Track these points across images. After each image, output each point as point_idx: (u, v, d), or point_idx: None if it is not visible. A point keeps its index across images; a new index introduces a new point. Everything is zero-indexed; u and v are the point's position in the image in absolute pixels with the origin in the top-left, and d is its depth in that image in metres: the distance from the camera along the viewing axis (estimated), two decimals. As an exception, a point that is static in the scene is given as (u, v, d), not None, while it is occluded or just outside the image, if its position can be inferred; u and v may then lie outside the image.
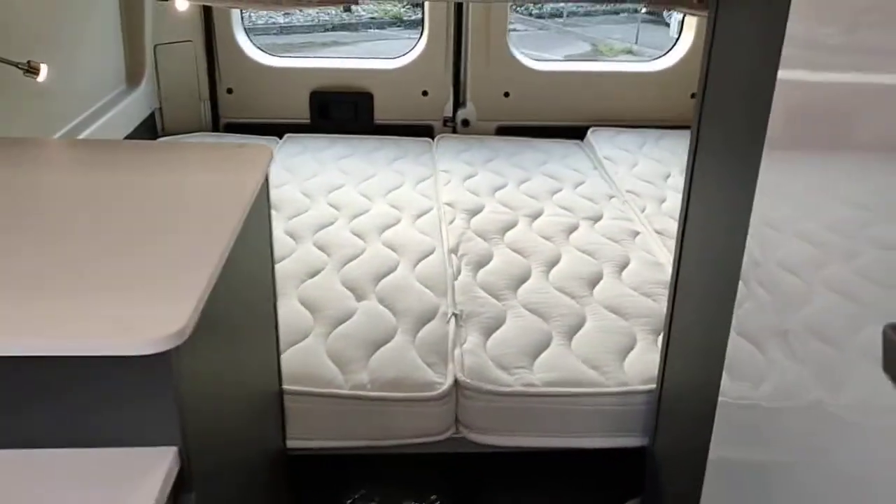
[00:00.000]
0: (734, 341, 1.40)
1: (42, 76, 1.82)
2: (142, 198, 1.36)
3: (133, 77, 3.35)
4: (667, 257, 2.67)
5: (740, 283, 1.34)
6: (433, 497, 2.16)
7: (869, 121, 0.99)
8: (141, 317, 0.97)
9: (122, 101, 3.20)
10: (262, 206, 1.58)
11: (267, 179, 1.58)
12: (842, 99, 1.08)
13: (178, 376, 0.99)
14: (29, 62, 1.83)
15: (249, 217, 1.36)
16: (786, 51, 1.18)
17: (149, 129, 3.50)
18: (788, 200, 1.25)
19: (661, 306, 2.33)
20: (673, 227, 2.89)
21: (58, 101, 2.66)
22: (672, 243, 2.74)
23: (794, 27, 1.17)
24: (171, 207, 1.34)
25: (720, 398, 1.45)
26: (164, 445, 1.02)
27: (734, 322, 1.36)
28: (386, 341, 2.11)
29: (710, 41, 1.58)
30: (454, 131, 3.94)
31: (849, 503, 0.98)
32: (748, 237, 1.32)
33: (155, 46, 3.46)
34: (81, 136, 2.82)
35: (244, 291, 1.46)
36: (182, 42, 3.58)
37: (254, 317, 1.59)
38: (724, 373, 1.43)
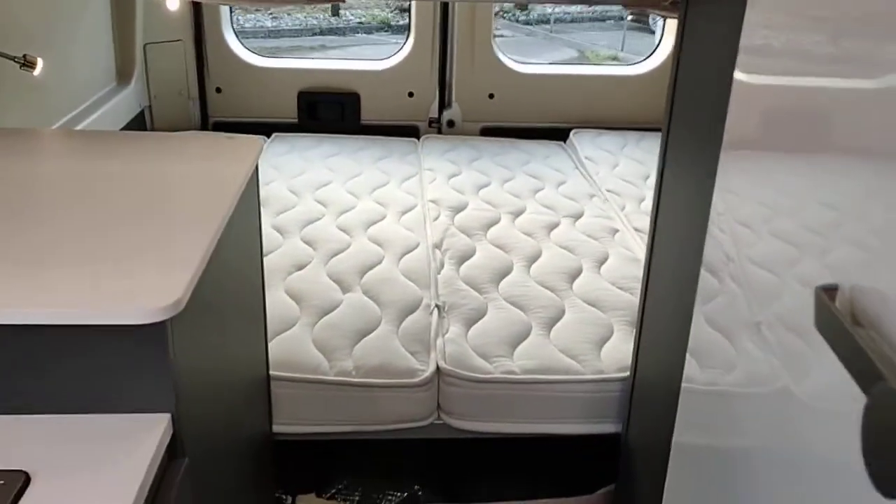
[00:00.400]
0: (696, 331, 1.47)
1: (38, 70, 1.87)
2: (136, 184, 1.42)
3: (123, 75, 3.40)
4: (644, 254, 2.75)
5: (708, 275, 1.41)
6: (416, 487, 2.22)
7: (821, 123, 1.06)
8: (139, 289, 1.03)
9: (113, 99, 3.25)
10: (251, 196, 1.64)
11: (257, 170, 1.64)
12: (793, 101, 1.15)
13: (173, 346, 1.05)
14: (25, 56, 1.88)
15: (240, 204, 1.42)
16: (741, 54, 1.26)
17: (138, 127, 3.55)
18: (752, 199, 1.32)
19: (637, 299, 2.41)
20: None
21: (49, 97, 2.70)
22: (650, 240, 2.84)
23: (748, 31, 1.24)
24: (164, 193, 1.40)
25: (683, 385, 1.52)
26: (158, 412, 1.08)
27: (695, 312, 1.43)
28: (370, 331, 2.18)
29: (679, 44, 1.66)
30: (439, 132, 4.01)
31: (802, 486, 1.05)
32: (717, 233, 1.39)
33: (145, 45, 3.51)
34: (72, 132, 2.87)
35: (235, 274, 1.52)
36: (172, 41, 3.64)
37: (243, 302, 1.65)
38: (686, 361, 1.50)
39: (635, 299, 2.41)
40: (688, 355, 1.46)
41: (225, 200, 1.34)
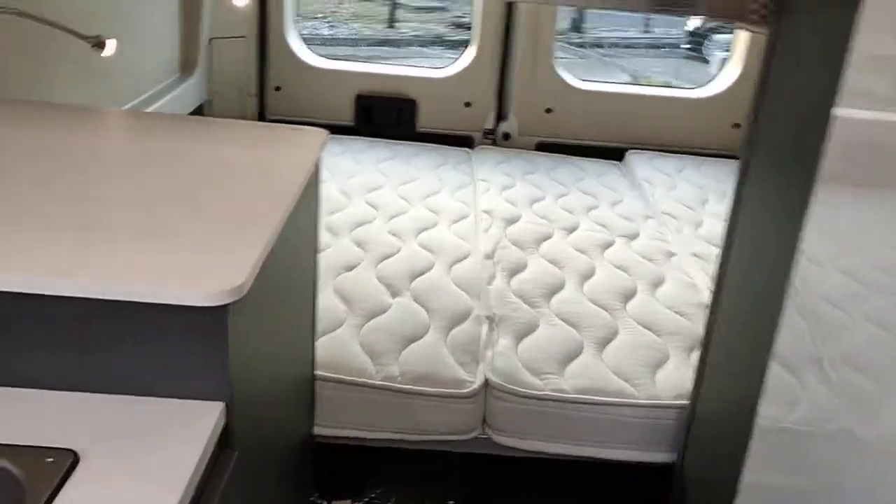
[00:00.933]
0: (775, 368, 1.39)
1: (109, 51, 1.87)
2: (202, 168, 1.40)
3: (187, 67, 3.43)
4: (702, 279, 2.66)
5: (794, 314, 1.33)
6: (450, 502, 2.16)
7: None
8: (202, 271, 1.00)
9: (174, 90, 3.27)
10: (313, 189, 1.61)
11: (319, 163, 1.61)
12: None
13: (233, 332, 1.01)
14: (98, 37, 1.89)
15: (303, 195, 1.39)
16: (847, 86, 1.18)
17: None
18: (834, 236, 1.25)
19: (696, 326, 2.32)
20: (709, 250, 2.89)
21: (113, 84, 2.72)
22: (708, 266, 2.74)
23: (857, 63, 1.17)
24: (230, 178, 1.37)
25: (757, 422, 1.44)
26: (212, 400, 1.03)
27: (776, 350, 1.35)
28: (418, 337, 2.12)
29: (767, 66, 1.57)
30: (494, 143, 3.97)
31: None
32: (808, 269, 1.31)
33: (210, 39, 3.54)
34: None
35: (292, 266, 1.49)
36: (236, 38, 3.66)
37: (297, 295, 1.62)
38: (762, 398, 1.41)
39: (693, 325, 2.32)
40: (763, 393, 1.38)
41: (290, 189, 1.31)
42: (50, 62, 2.20)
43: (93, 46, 1.89)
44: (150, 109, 2.98)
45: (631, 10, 2.07)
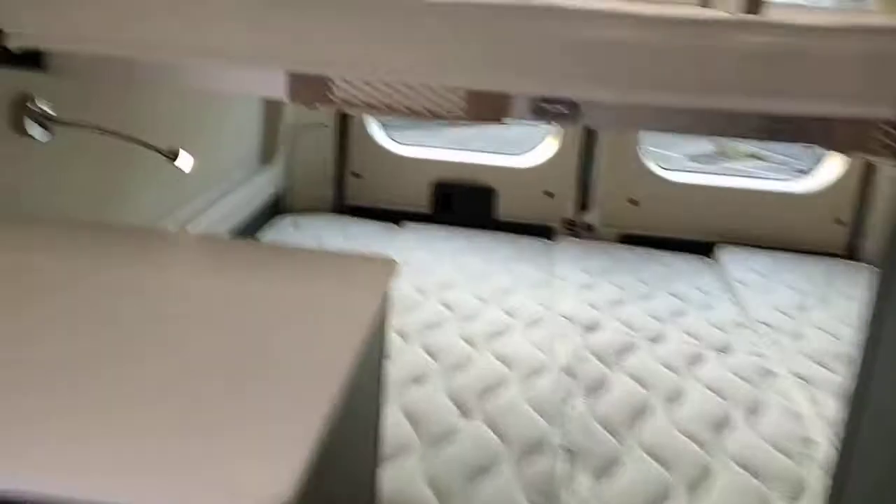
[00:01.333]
0: None
1: (187, 167, 1.84)
2: (254, 312, 1.30)
3: (267, 156, 3.45)
4: (807, 408, 2.39)
5: None
6: None
7: None
8: (230, 477, 0.87)
9: (253, 179, 3.28)
10: (380, 327, 1.49)
11: (388, 298, 1.49)
12: None
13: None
14: (172, 149, 1.86)
15: (367, 341, 1.27)
16: None
17: (273, 207, 3.58)
18: None
19: (802, 469, 2.06)
20: (815, 371, 2.61)
21: (194, 176, 2.73)
22: (814, 391, 2.47)
23: None
24: (283, 329, 1.26)
25: None
26: None
27: None
28: (489, 468, 1.96)
29: None
30: (575, 234, 3.82)
31: None
32: None
33: (292, 128, 3.56)
34: (210, 210, 2.88)
35: (353, 424, 1.36)
36: (318, 126, 3.68)
37: (357, 446, 1.48)
38: None
39: (798, 469, 2.07)
40: None
41: (348, 349, 1.19)
42: (129, 156, 2.19)
43: (170, 161, 1.87)
44: (227, 199, 2.98)
45: (732, 137, 1.91)
